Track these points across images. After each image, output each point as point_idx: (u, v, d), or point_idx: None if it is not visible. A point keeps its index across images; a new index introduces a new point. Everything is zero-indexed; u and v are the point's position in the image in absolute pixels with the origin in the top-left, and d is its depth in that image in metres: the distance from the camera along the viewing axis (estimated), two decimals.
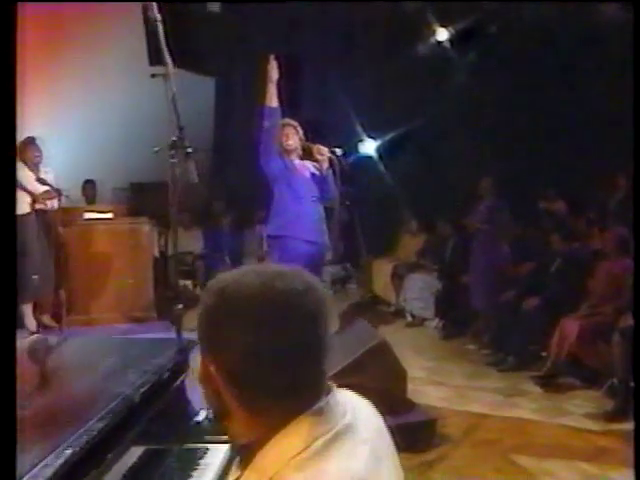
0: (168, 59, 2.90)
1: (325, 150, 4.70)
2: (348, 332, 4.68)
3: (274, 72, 4.61)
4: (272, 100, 4.62)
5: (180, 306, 3.27)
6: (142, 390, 1.66)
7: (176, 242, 3.53)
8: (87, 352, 2.24)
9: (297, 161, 4.83)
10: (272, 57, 4.66)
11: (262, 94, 4.67)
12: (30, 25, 6.89)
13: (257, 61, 4.99)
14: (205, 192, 8.98)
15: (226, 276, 1.11)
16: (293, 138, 4.76)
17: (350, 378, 4.12)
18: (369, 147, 8.66)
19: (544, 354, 5.38)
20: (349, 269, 8.67)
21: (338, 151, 8.18)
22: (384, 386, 4.06)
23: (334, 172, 4.72)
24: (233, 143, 8.74)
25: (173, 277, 7.54)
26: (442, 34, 8.25)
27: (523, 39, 7.73)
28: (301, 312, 1.05)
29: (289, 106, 4.94)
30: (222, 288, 1.08)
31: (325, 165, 4.68)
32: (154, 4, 2.85)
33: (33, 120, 7.06)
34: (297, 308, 1.05)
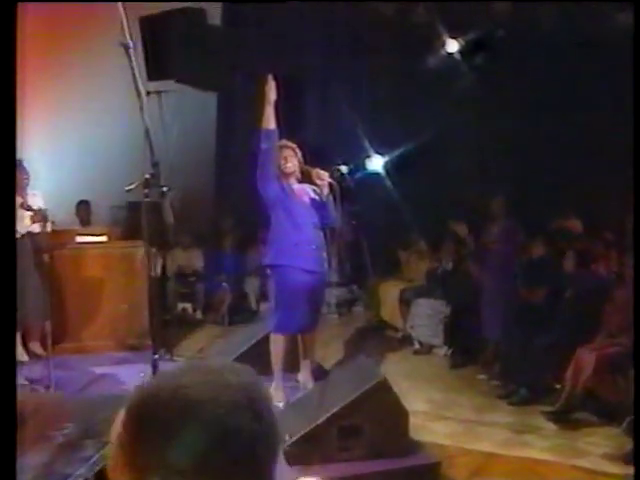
0: (142, 89, 2.79)
1: (325, 175, 4.65)
2: (349, 368, 4.60)
3: (272, 93, 4.56)
4: (269, 122, 4.57)
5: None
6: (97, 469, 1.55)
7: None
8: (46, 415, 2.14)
9: (296, 185, 4.77)
10: (270, 77, 4.60)
11: (259, 116, 4.61)
12: (29, 46, 6.94)
13: (256, 80, 4.94)
14: (209, 210, 8.98)
15: (159, 375, 1.05)
16: (291, 161, 4.71)
17: (349, 418, 4.12)
18: (376, 163, 8.56)
19: (558, 386, 5.23)
20: (355, 291, 8.55)
21: (343, 168, 8.12)
22: (384, 427, 4.00)
23: (334, 197, 4.65)
24: (236, 159, 8.66)
25: (172, 300, 7.62)
26: (452, 45, 8.15)
27: (537, 51, 7.64)
28: (217, 428, 0.93)
29: (289, 126, 4.90)
30: (142, 390, 0.99)
31: (325, 190, 4.63)
32: (126, 30, 2.74)
33: (29, 137, 7.06)
34: (213, 423, 0.93)
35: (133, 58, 2.80)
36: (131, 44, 2.81)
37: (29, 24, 7.23)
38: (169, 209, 2.93)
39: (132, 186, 3.01)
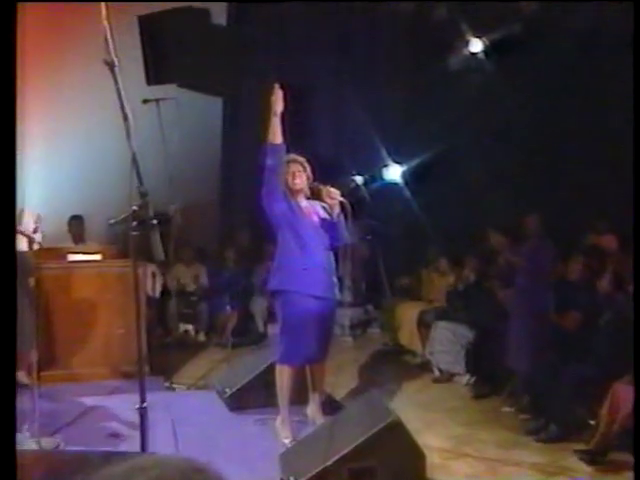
0: (128, 111, 2.67)
1: (336, 193, 4.56)
2: (360, 404, 4.50)
3: (278, 104, 4.47)
4: (275, 136, 4.48)
5: None
6: None
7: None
8: None
9: (304, 203, 4.70)
10: (277, 87, 4.51)
11: (265, 129, 4.52)
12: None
13: (262, 88, 4.84)
14: (213, 224, 8.91)
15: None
16: (300, 177, 4.65)
17: (361, 460, 3.99)
18: (394, 173, 8.46)
19: (593, 423, 5.06)
20: (371, 312, 8.43)
21: (358, 179, 7.99)
22: (398, 469, 3.91)
23: (346, 217, 4.56)
24: (243, 168, 8.57)
25: (172, 321, 7.53)
26: (476, 45, 8.05)
27: (569, 52, 7.51)
28: None
29: (298, 137, 4.80)
30: None
31: (336, 210, 4.54)
32: (110, 47, 2.62)
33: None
34: None
35: (119, 78, 2.69)
36: (116, 62, 2.69)
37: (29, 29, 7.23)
38: (159, 244, 2.80)
39: (116, 220, 2.90)
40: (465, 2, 7.74)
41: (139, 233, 2.78)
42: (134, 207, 2.78)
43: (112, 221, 2.91)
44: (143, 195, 2.75)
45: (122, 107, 2.67)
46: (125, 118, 2.69)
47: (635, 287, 4.52)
